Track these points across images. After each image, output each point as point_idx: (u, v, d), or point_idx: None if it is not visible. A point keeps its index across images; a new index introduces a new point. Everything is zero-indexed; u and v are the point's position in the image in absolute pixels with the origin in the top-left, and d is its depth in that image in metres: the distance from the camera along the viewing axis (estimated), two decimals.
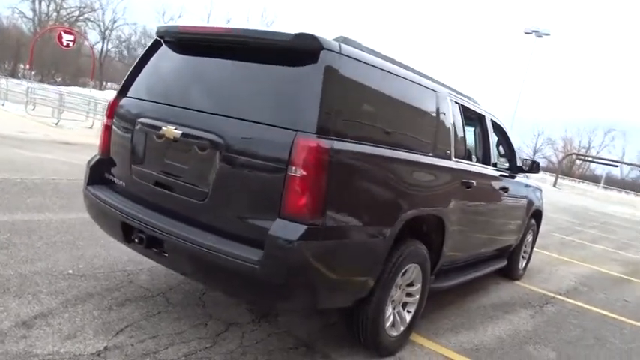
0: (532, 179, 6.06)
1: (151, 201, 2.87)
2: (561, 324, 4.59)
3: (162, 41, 3.16)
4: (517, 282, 5.78)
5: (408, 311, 3.32)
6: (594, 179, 57.76)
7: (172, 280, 3.80)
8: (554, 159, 64.75)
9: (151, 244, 2.70)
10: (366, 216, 2.67)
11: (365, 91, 2.70)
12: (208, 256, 2.46)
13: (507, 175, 4.82)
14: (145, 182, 2.91)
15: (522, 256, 5.89)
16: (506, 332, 4.08)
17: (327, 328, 3.48)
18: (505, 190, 4.67)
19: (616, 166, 48.65)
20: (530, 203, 5.59)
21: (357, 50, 2.70)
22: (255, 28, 2.73)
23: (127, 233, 2.84)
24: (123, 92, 3.21)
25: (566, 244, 9.98)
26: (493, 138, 4.64)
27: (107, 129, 3.22)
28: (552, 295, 5.56)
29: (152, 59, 3.16)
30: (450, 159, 3.50)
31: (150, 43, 3.22)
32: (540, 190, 6.15)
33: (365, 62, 2.71)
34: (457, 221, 3.62)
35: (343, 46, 2.58)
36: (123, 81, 3.25)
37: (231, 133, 2.54)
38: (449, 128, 3.55)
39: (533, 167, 5.11)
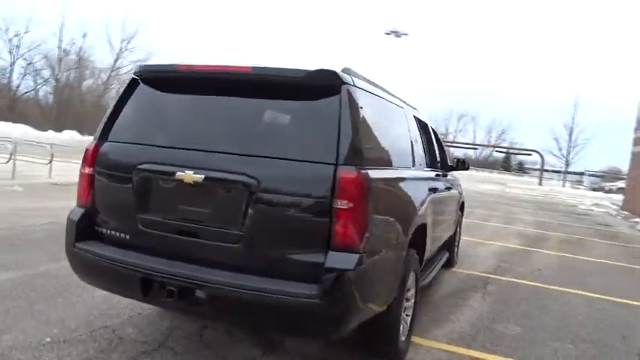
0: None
1: (168, 250, 2.71)
2: (508, 301, 5.18)
3: (139, 80, 3.00)
4: (454, 269, 6.35)
5: (406, 315, 3.54)
6: None
7: (161, 326, 3.59)
8: None
9: (183, 295, 2.56)
10: (391, 233, 2.84)
11: (372, 118, 2.86)
12: (259, 299, 2.42)
13: (447, 173, 5.32)
14: (157, 231, 2.74)
15: (456, 245, 6.51)
16: (474, 317, 4.50)
17: (334, 344, 3.57)
18: (449, 188, 5.16)
19: (476, 149, 54.95)
20: (460, 196, 6.22)
21: (361, 80, 2.84)
22: (272, 64, 2.68)
23: (147, 288, 2.65)
24: (103, 137, 2.97)
25: (466, 225, 11.09)
26: (434, 142, 5.09)
27: (88, 178, 2.96)
28: (486, 275, 6.22)
29: (135, 100, 2.97)
30: (424, 169, 3.82)
31: (127, 83, 3.02)
32: (460, 183, 6.84)
33: (367, 91, 2.87)
34: (431, 224, 3.95)
35: (355, 79, 2.71)
36: (101, 125, 3.00)
37: (263, 173, 2.52)
38: (418, 141, 3.86)
39: (464, 165, 5.69)
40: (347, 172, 2.42)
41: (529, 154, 47.14)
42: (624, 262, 8.45)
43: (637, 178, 19.86)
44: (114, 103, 3.03)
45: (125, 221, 2.85)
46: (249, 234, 2.53)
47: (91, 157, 2.94)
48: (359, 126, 2.56)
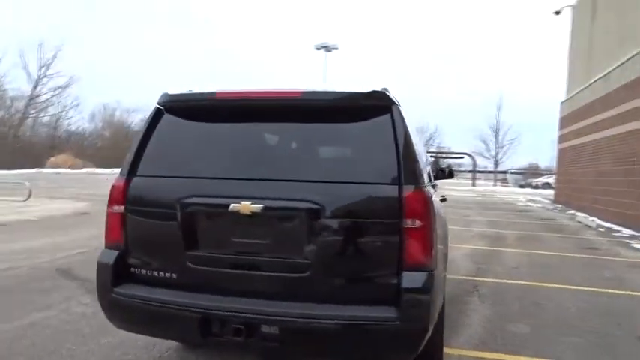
0: None
1: (224, 286, 2.58)
2: (503, 301, 5.39)
3: (164, 110, 2.86)
4: None
5: None
6: None
7: None
8: None
9: (250, 333, 2.43)
10: (442, 249, 2.87)
11: (413, 135, 2.89)
12: (336, 327, 2.36)
13: (436, 183, 5.48)
14: (209, 267, 2.60)
15: None
16: (483, 321, 4.64)
17: None
18: (443, 199, 5.31)
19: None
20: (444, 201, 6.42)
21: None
22: (319, 87, 2.64)
23: (206, 328, 2.50)
24: (132, 173, 2.79)
25: None
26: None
27: (119, 216, 2.76)
28: (472, 278, 6.43)
29: (164, 131, 2.82)
30: (435, 179, 3.92)
31: (152, 114, 2.87)
32: None
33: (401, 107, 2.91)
34: (442, 236, 4.05)
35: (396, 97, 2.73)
36: (128, 159, 2.81)
37: (325, 198, 2.47)
38: (425, 152, 3.97)
39: (451, 174, 5.87)
40: (413, 192, 2.44)
41: (461, 158, 49.70)
42: (580, 253, 9.06)
43: (564, 173, 21.44)
44: (140, 135, 2.85)
45: (171, 259, 2.68)
46: (316, 261, 2.47)
47: (122, 194, 2.74)
48: (411, 145, 2.59)
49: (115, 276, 2.71)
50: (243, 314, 2.43)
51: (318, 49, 43.97)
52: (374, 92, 2.60)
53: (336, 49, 44.31)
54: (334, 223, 2.47)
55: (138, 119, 61.06)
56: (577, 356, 3.85)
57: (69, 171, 38.52)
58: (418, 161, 2.62)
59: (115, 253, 2.75)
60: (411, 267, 2.42)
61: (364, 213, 2.49)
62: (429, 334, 2.53)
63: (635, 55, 13.21)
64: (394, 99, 2.65)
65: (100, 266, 2.76)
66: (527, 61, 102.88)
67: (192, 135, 2.83)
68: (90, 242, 8.12)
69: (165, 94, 2.87)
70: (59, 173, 35.34)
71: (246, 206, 2.48)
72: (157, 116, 2.87)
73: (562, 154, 22.17)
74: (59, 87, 50.26)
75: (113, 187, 2.80)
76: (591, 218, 14.54)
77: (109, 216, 2.80)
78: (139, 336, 3.80)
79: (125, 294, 2.65)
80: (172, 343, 3.70)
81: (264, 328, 2.43)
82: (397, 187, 2.45)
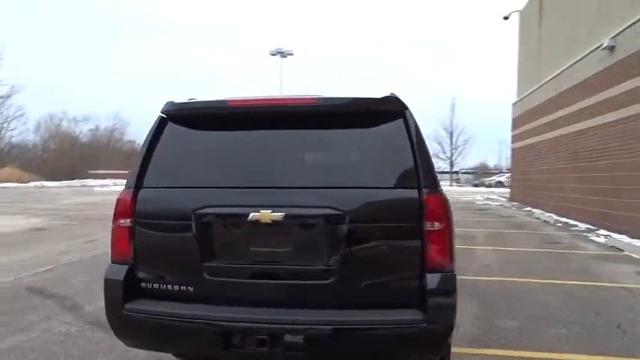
0: None
1: (244, 297, 2.52)
2: (486, 298, 5.53)
3: (167, 119, 2.78)
4: None
5: None
6: None
7: None
8: None
9: (275, 343, 2.39)
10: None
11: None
12: (363, 332, 2.36)
13: None
14: (228, 278, 2.54)
15: None
16: (471, 318, 4.74)
17: None
18: None
19: None
20: None
21: None
22: (334, 95, 2.64)
23: (228, 340, 2.43)
24: (139, 184, 2.69)
25: None
26: None
27: (126, 230, 2.65)
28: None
29: (170, 140, 2.74)
30: None
31: (156, 124, 2.78)
32: None
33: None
34: None
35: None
36: (134, 171, 2.71)
37: (346, 204, 2.46)
38: None
39: None
40: (432, 194, 2.47)
41: None
42: (546, 248, 9.45)
43: (519, 171, 22.35)
44: (145, 146, 2.75)
45: (186, 272, 2.60)
46: (340, 268, 2.45)
47: (129, 207, 2.64)
48: (425, 148, 2.63)
49: (125, 292, 2.59)
50: (267, 325, 2.39)
51: (273, 54, 43.84)
52: (387, 98, 2.63)
53: (292, 54, 44.30)
54: (356, 229, 2.47)
55: (86, 129, 59.03)
56: (570, 347, 4.01)
57: (17, 185, 36.53)
58: (433, 164, 2.66)
59: (124, 268, 2.64)
60: (433, 269, 2.45)
61: (385, 217, 2.50)
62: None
63: (582, 58, 13.97)
64: (405, 104, 2.69)
65: (109, 283, 2.64)
66: (475, 64, 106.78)
67: (201, 144, 2.75)
68: (56, 258, 7.77)
69: (171, 103, 2.78)
70: (5, 187, 33.46)
71: (266, 215, 2.44)
72: (161, 126, 2.78)
73: (516, 153, 23.08)
74: (0, 97, 47.69)
75: (119, 200, 2.69)
76: (548, 214, 15.23)
77: (116, 230, 2.68)
78: (137, 352, 3.68)
79: (138, 310, 2.54)
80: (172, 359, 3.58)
81: (288, 338, 2.40)
82: (417, 190, 2.48)
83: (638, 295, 5.78)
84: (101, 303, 5.07)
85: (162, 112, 2.80)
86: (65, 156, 52.37)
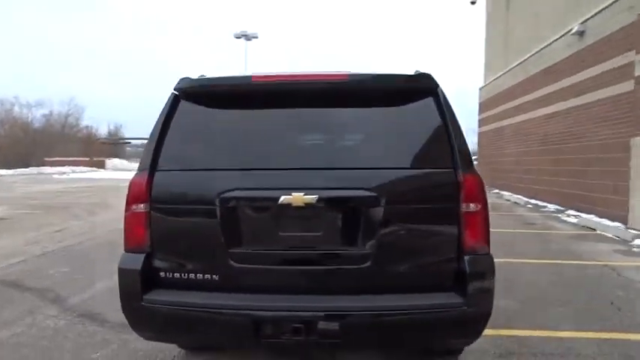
0: None
1: (273, 284, 2.38)
2: None
3: (183, 97, 2.58)
4: None
5: None
6: None
7: None
8: None
9: (310, 331, 2.26)
10: None
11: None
12: (402, 317, 2.27)
13: None
14: (256, 265, 2.38)
15: None
16: None
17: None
18: None
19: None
20: None
21: None
22: (365, 71, 2.50)
23: (259, 330, 2.30)
24: (153, 167, 2.48)
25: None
26: None
27: (142, 216, 2.44)
28: None
29: (188, 119, 2.54)
30: None
31: (170, 102, 2.56)
32: None
33: None
34: None
35: None
36: (149, 152, 2.49)
37: (381, 186, 2.34)
38: None
39: None
40: (469, 175, 2.39)
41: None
42: (523, 228, 9.69)
43: (486, 155, 22.83)
44: (158, 126, 2.53)
45: (210, 260, 2.43)
46: (376, 251, 2.35)
47: (145, 192, 2.43)
48: (459, 128, 2.54)
49: (144, 282, 2.40)
50: (303, 312, 2.27)
51: (237, 37, 42.95)
52: (420, 75, 2.51)
53: (256, 37, 43.55)
54: (391, 211, 2.36)
55: (39, 114, 56.34)
56: (574, 325, 4.06)
57: None
58: (467, 144, 2.56)
59: (141, 257, 2.44)
60: (470, 251, 2.38)
61: (421, 199, 2.41)
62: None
63: (551, 43, 14.25)
64: (437, 81, 2.57)
65: (125, 273, 2.44)
66: (442, 49, 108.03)
67: (222, 124, 2.56)
68: (26, 249, 7.33)
69: (187, 79, 2.57)
70: None
71: (298, 197, 2.29)
72: (175, 104, 2.56)
73: (483, 137, 23.53)
74: None
75: (133, 183, 2.48)
76: (517, 196, 15.62)
77: (130, 217, 2.47)
78: (136, 345, 3.49)
79: (159, 301, 2.36)
80: (176, 350, 3.41)
81: (321, 325, 2.28)
82: (453, 171, 2.39)
83: (621, 272, 5.95)
84: (87, 294, 4.91)
85: (176, 90, 2.58)
86: (18, 143, 49.83)
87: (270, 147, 2.51)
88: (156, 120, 2.56)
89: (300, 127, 2.56)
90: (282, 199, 2.29)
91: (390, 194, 2.36)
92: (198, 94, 2.59)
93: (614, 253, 7.20)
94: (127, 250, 2.50)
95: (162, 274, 2.46)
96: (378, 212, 2.34)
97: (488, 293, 2.38)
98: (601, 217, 10.13)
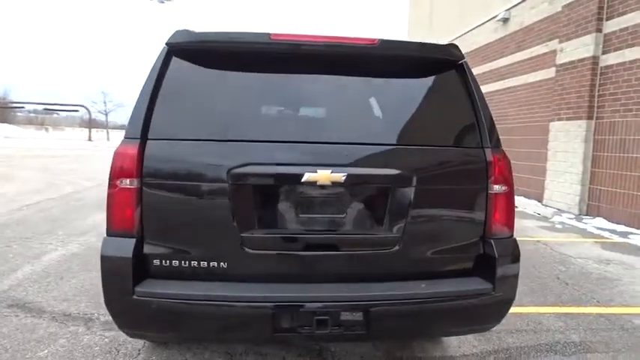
0: None
1: (295, 272, 2.12)
2: None
3: (180, 54, 2.19)
4: None
5: None
6: None
7: None
8: None
9: (335, 322, 2.05)
10: None
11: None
12: (433, 305, 2.13)
13: None
14: (273, 251, 2.10)
15: None
16: None
17: None
18: None
19: (23, 107, 63.29)
20: None
21: None
22: (392, 38, 2.23)
23: (278, 323, 2.04)
24: (144, 135, 2.07)
25: None
26: None
27: (132, 194, 2.05)
28: None
29: (186, 80, 2.15)
30: None
31: (163, 58, 2.15)
32: None
33: None
34: None
35: None
36: (138, 118, 2.07)
37: (413, 164, 2.15)
38: None
39: None
40: (498, 155, 2.27)
41: (76, 111, 57.01)
42: None
43: None
44: (150, 85, 2.11)
45: (218, 245, 2.09)
46: (405, 234, 2.17)
47: (135, 164, 2.02)
48: (486, 105, 2.40)
49: (135, 272, 2.02)
50: (329, 303, 2.04)
51: None
52: (449, 45, 2.32)
53: None
54: (422, 192, 2.18)
55: None
56: (535, 300, 4.22)
57: None
58: (494, 122, 2.44)
59: (131, 242, 2.05)
60: (497, 235, 2.29)
61: (451, 179, 2.26)
62: None
63: (475, 27, 14.81)
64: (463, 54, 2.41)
65: (112, 261, 2.03)
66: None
67: (230, 87, 2.19)
68: None
69: (184, 32, 2.15)
70: None
71: (325, 175, 2.02)
72: (167, 60, 2.16)
73: None
74: None
75: (119, 154, 2.05)
76: None
77: (116, 194, 2.05)
78: (90, 338, 3.08)
79: (155, 294, 2.00)
80: (140, 343, 3.02)
81: (347, 316, 2.07)
82: (482, 150, 2.26)
83: (554, 247, 6.36)
84: (10, 280, 4.25)
85: (168, 44, 2.17)
86: None
87: (289, 117, 2.21)
88: (145, 81, 2.14)
89: (323, 95, 2.28)
90: (307, 176, 2.02)
91: (420, 173, 2.18)
92: (200, 51, 2.19)
93: (541, 230, 7.70)
94: (110, 234, 2.09)
95: (155, 262, 2.09)
96: (409, 192, 2.16)
97: (515, 278, 2.31)
98: (522, 195, 10.83)
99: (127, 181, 2.04)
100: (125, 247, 2.04)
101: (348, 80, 2.32)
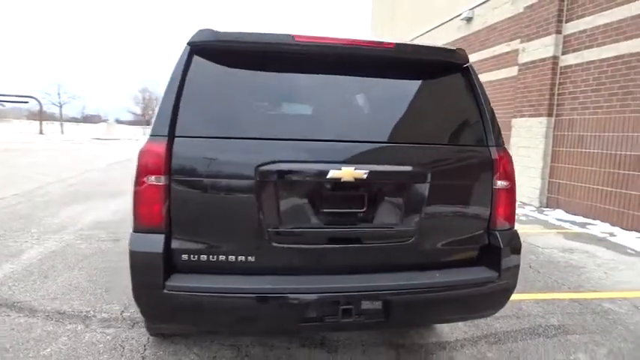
0: None
1: (318, 264, 2.22)
2: None
3: (204, 53, 2.24)
4: None
5: None
6: None
7: None
8: None
9: (358, 311, 2.17)
10: None
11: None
12: (446, 293, 2.29)
13: None
14: (298, 245, 2.20)
15: None
16: None
17: None
18: None
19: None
20: None
21: None
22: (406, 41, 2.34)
23: (304, 314, 2.15)
24: (172, 133, 2.12)
25: None
26: None
27: (160, 190, 2.09)
28: None
29: (211, 80, 2.20)
30: None
31: (186, 58, 2.19)
32: None
33: None
34: None
35: None
36: (165, 116, 2.11)
37: (428, 161, 2.30)
38: None
39: None
40: (503, 153, 2.45)
41: (26, 102, 54.49)
42: None
43: None
44: (175, 84, 2.15)
45: (245, 240, 2.17)
46: (421, 228, 2.32)
47: (163, 161, 2.07)
48: (490, 105, 2.57)
49: (166, 267, 2.07)
50: (353, 293, 2.17)
51: None
52: (458, 50, 2.47)
53: None
54: (436, 187, 2.34)
55: None
56: None
57: None
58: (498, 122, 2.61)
59: (160, 237, 2.09)
60: (501, 227, 2.48)
61: (460, 175, 2.43)
62: None
63: (440, 25, 15.23)
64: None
65: (142, 257, 2.08)
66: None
67: (254, 87, 2.26)
68: None
69: (207, 32, 2.20)
70: None
71: (349, 172, 2.14)
72: (190, 59, 2.20)
73: None
74: None
75: (146, 151, 2.09)
76: None
77: (143, 191, 2.09)
78: (93, 337, 3.09)
79: (186, 288, 2.06)
80: (145, 338, 3.05)
81: (367, 305, 2.20)
82: (487, 148, 2.44)
83: (523, 238, 6.71)
84: None
85: (191, 44, 2.21)
86: None
87: (312, 116, 2.30)
88: (169, 79, 2.17)
89: (344, 95, 2.39)
90: (332, 173, 2.13)
91: (434, 170, 2.34)
92: (223, 51, 2.24)
93: None
94: (137, 230, 2.13)
95: (183, 257, 2.15)
96: (424, 188, 2.31)
97: (517, 267, 2.51)
98: None
99: (155, 178, 2.08)
100: (155, 242, 2.09)
101: (366, 81, 2.44)
